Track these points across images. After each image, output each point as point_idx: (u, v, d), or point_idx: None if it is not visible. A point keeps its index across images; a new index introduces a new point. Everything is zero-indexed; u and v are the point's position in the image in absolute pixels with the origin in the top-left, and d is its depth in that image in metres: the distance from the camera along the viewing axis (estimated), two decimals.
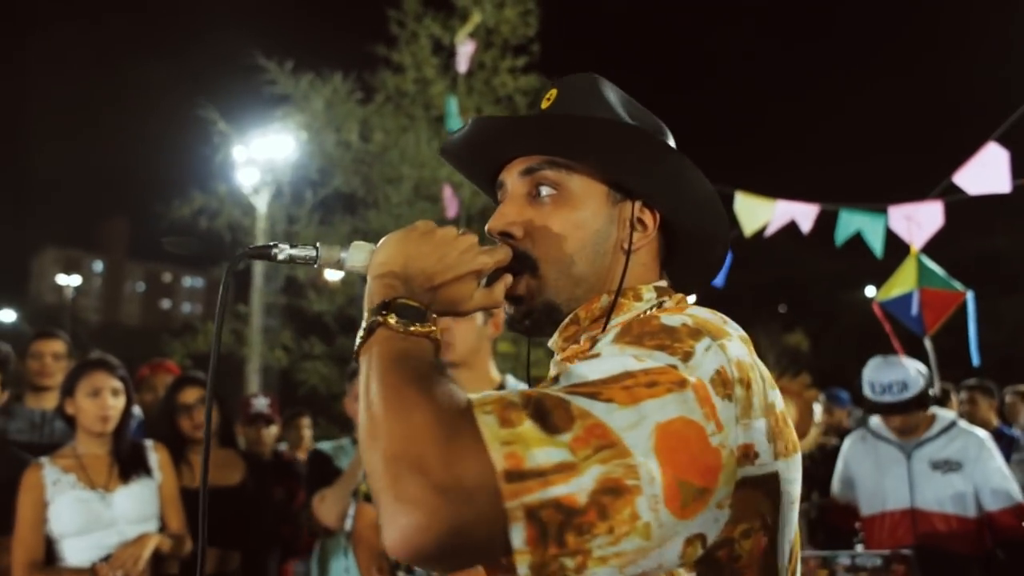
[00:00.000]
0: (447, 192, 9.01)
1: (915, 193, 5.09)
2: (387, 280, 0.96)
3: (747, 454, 0.85)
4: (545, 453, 0.74)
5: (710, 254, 1.15)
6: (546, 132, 1.07)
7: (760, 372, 0.92)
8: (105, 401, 2.90)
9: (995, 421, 5.59)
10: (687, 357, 0.85)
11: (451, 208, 9.27)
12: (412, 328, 0.90)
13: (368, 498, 2.57)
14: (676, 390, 0.81)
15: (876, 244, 4.88)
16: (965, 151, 5.08)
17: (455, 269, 1.00)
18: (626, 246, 1.07)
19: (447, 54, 11.18)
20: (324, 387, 11.62)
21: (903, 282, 4.70)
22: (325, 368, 11.83)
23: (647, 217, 1.10)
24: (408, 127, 12.04)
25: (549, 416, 0.77)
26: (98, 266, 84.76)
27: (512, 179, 1.11)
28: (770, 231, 5.41)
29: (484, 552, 0.75)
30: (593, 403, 0.78)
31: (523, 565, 0.74)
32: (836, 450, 4.28)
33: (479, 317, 2.48)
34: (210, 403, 1.03)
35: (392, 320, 0.90)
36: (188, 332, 12.62)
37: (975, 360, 4.42)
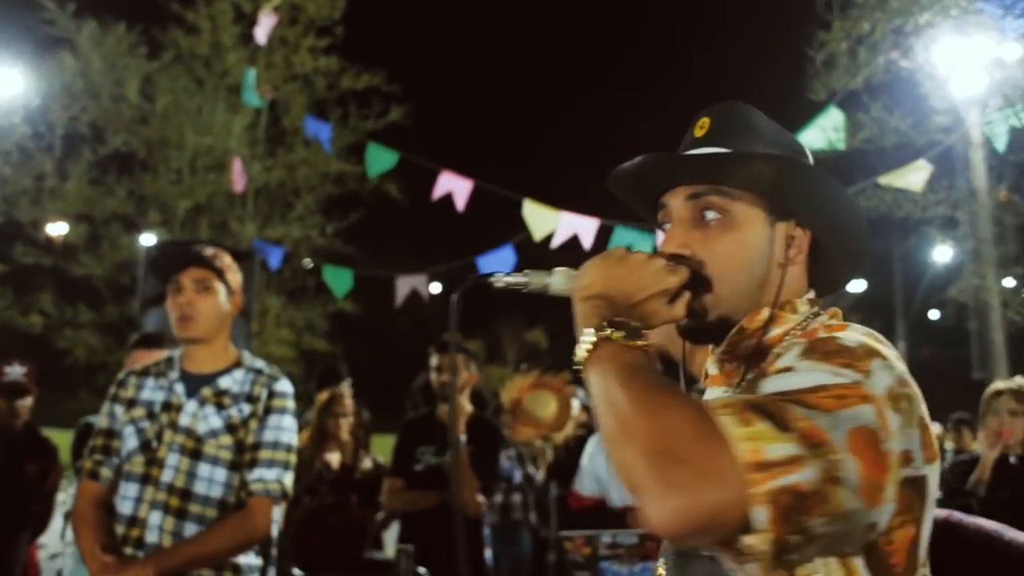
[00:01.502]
0: (236, 166, 8.75)
1: None
2: (595, 301, 1.10)
3: (907, 458, 1.00)
4: (780, 448, 0.89)
5: (844, 267, 1.28)
6: (711, 167, 1.19)
7: (915, 388, 1.05)
8: None
9: None
10: (868, 375, 0.99)
11: (239, 182, 9.02)
12: (633, 343, 1.04)
13: (93, 476, 2.46)
14: (861, 404, 0.96)
15: None
16: None
17: (649, 289, 1.13)
18: (782, 262, 1.19)
19: (248, 23, 10.80)
20: (88, 357, 10.71)
21: None
22: (92, 338, 10.98)
23: (799, 235, 1.21)
24: (196, 91, 11.49)
25: (775, 418, 0.92)
26: None
27: (677, 203, 1.22)
28: (556, 242, 5.85)
29: (730, 529, 0.89)
30: (800, 408, 0.94)
31: (765, 542, 0.89)
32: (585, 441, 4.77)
33: (222, 295, 2.52)
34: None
35: (617, 336, 1.03)
36: None
37: None
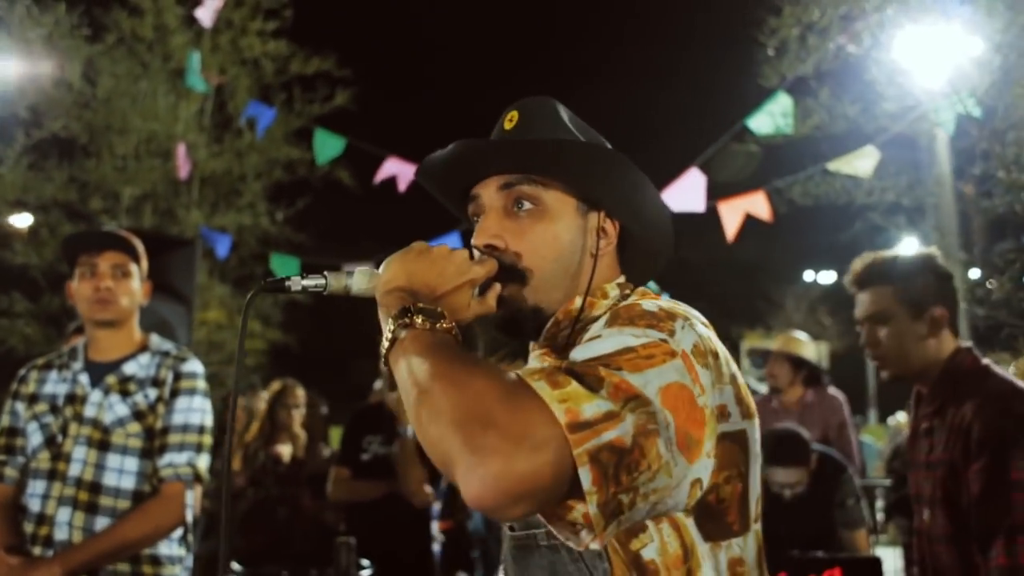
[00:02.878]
0: (180, 151, 8.54)
1: None
2: (397, 294, 1.09)
3: (723, 413, 1.02)
4: (594, 406, 0.89)
5: (654, 253, 1.30)
6: (526, 153, 1.19)
7: (721, 347, 1.10)
8: None
9: None
10: (671, 333, 1.02)
11: (183, 169, 8.81)
12: (438, 325, 1.03)
13: None
14: (670, 360, 0.98)
15: None
16: (670, 173, 5.76)
17: (453, 281, 1.12)
18: (594, 252, 1.21)
19: (192, 4, 10.52)
20: (25, 348, 10.35)
21: None
22: (29, 327, 10.56)
23: (609, 226, 1.23)
24: (141, 75, 11.17)
25: (586, 379, 0.92)
26: None
27: (489, 193, 1.21)
28: None
29: (551, 495, 0.88)
30: (609, 371, 0.94)
31: (592, 504, 0.88)
32: None
33: (136, 280, 2.51)
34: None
35: (419, 320, 1.03)
36: None
37: None
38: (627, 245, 1.27)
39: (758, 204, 5.79)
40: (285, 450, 5.41)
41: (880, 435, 16.13)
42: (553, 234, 1.19)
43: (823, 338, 19.63)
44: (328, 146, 6.75)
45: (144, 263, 2.55)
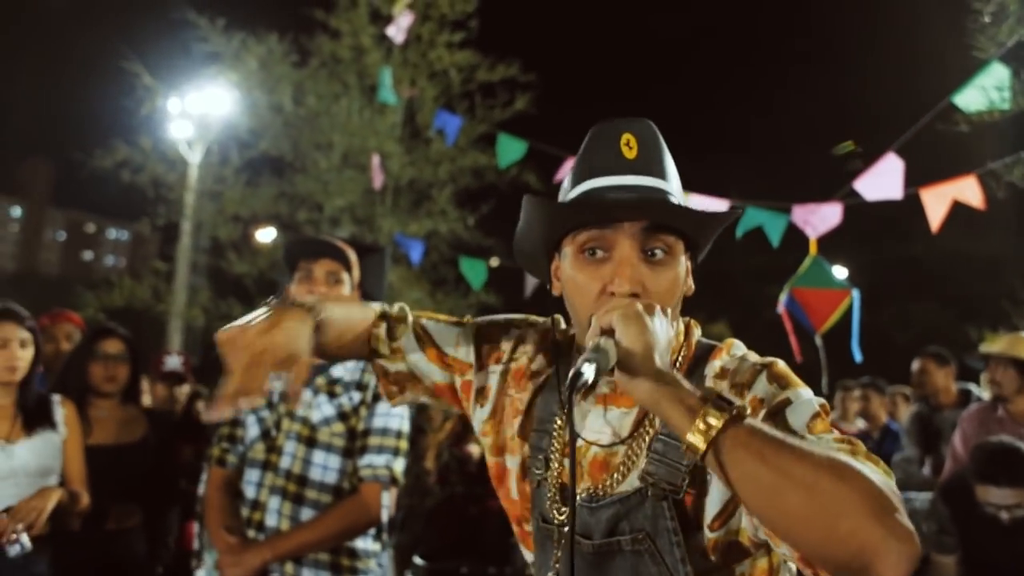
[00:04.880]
0: (375, 162, 9.00)
1: (816, 194, 5.37)
2: (666, 372, 1.06)
3: None
4: None
5: None
6: (678, 212, 1.25)
7: None
8: (13, 352, 2.89)
9: (884, 417, 5.98)
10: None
11: (377, 179, 9.28)
12: (743, 414, 1.01)
13: (221, 462, 2.62)
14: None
15: (775, 238, 5.15)
16: (865, 158, 5.35)
17: (667, 352, 1.14)
18: (687, 292, 1.32)
19: (384, 23, 11.09)
20: None
21: (791, 282, 4.98)
22: None
23: (690, 267, 1.34)
24: (341, 94, 11.91)
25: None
26: (16, 211, 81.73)
27: (626, 236, 1.23)
28: None
29: None
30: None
31: None
32: None
33: (347, 288, 2.56)
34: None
35: (741, 413, 1.01)
36: (104, 285, 12.34)
37: (857, 357, 4.69)
38: None
39: (968, 190, 5.23)
40: (475, 449, 5.55)
41: None
42: (677, 278, 1.27)
43: None
44: (511, 150, 6.85)
45: (356, 272, 2.63)
